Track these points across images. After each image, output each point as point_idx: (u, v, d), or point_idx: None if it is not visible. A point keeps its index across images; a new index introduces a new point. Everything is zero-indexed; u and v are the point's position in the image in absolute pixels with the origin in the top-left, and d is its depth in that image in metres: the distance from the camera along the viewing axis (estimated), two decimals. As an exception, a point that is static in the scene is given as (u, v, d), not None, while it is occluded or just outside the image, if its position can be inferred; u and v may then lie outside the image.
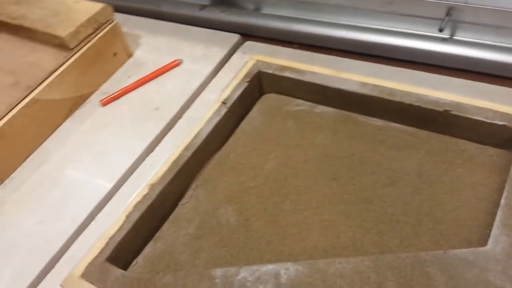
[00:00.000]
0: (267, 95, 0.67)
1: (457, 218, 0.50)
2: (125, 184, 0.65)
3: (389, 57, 0.73)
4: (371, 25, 0.74)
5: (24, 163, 0.70)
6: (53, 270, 0.58)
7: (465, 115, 0.55)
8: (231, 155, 0.61)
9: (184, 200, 0.57)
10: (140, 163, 0.67)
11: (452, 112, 0.55)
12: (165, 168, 0.58)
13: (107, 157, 0.68)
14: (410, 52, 0.70)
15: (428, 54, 0.70)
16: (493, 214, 0.48)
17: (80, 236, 0.60)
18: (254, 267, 0.48)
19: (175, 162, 0.58)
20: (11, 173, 0.69)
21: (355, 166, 0.56)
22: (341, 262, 0.47)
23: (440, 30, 0.66)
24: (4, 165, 0.67)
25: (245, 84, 0.65)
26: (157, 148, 0.68)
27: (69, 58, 0.72)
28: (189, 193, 0.58)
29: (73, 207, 0.63)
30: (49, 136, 0.72)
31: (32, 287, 0.57)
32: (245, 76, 0.65)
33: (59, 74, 0.70)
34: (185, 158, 0.58)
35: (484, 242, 0.46)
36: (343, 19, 0.76)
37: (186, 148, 0.59)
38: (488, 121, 0.53)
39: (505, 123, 0.53)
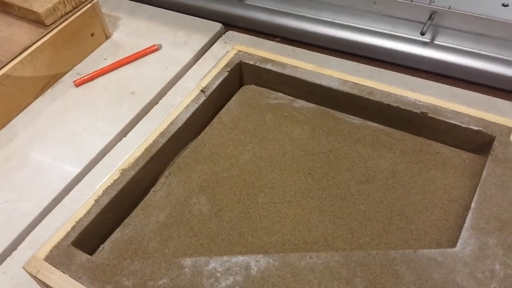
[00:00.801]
0: (247, 86, 0.66)
1: (428, 218, 0.50)
2: (95, 168, 0.63)
3: (369, 57, 0.73)
4: (354, 23, 0.74)
5: (-10, 141, 0.67)
6: (15, 252, 0.56)
7: (442, 118, 0.55)
8: (207, 145, 0.60)
9: (156, 187, 0.56)
10: (112, 147, 0.65)
11: (429, 115, 0.55)
12: (138, 153, 0.56)
13: (78, 139, 0.66)
14: (391, 53, 0.71)
15: (408, 57, 0.70)
16: (463, 217, 0.49)
17: (45, 219, 0.59)
18: (225, 258, 0.47)
19: (148, 148, 0.57)
20: (-24, 150, 0.66)
21: (330, 162, 0.56)
22: (312, 257, 0.47)
23: (422, 34, 0.67)
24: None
25: (225, 74, 0.64)
26: (131, 133, 0.67)
27: (44, 35, 0.70)
28: (162, 180, 0.57)
29: (39, 188, 0.61)
30: (18, 114, 0.70)
31: (-8, 267, 0.55)
32: (226, 66, 0.64)
33: (33, 50, 0.68)
34: (159, 145, 0.57)
35: (453, 244, 0.47)
36: (326, 16, 0.76)
37: (161, 135, 0.58)
38: (464, 125, 0.54)
39: (480, 129, 0.53)
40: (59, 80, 0.74)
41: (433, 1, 0.66)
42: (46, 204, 0.59)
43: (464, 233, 0.46)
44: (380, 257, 0.46)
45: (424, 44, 0.70)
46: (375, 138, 0.57)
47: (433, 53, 0.69)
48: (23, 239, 0.57)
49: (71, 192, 0.61)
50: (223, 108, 0.64)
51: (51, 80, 0.73)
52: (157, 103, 0.71)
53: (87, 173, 0.62)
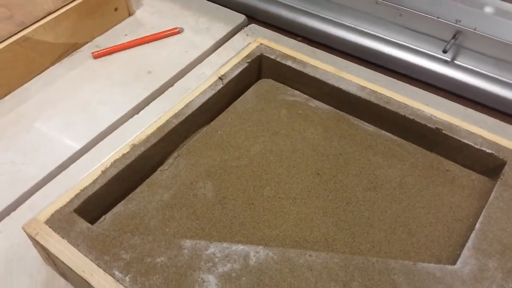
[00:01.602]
0: (265, 79, 0.66)
1: (431, 233, 0.50)
2: (103, 141, 0.63)
3: (387, 67, 0.73)
4: (377, 32, 0.74)
5: (2, 100, 0.67)
6: (14, 213, 0.56)
7: (456, 136, 0.55)
8: (219, 132, 0.60)
9: (163, 167, 0.56)
10: (123, 123, 0.65)
11: (444, 131, 0.56)
12: (149, 131, 0.56)
13: (90, 110, 0.66)
14: (410, 67, 0.71)
15: (426, 72, 0.70)
16: (466, 237, 0.49)
17: (48, 185, 0.59)
18: (224, 245, 0.47)
19: (161, 127, 0.57)
20: (-13, 107, 0.66)
21: (340, 165, 0.56)
22: (312, 255, 0.47)
23: (444, 52, 0.67)
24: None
25: (245, 65, 0.64)
26: (143, 111, 0.67)
27: (69, 3, 0.70)
28: (170, 161, 0.57)
29: (45, 154, 0.61)
30: (33, 77, 0.70)
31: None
32: (246, 57, 0.64)
33: (56, 16, 0.68)
34: (172, 125, 0.57)
35: (453, 262, 0.47)
36: (350, 21, 0.76)
37: (175, 116, 0.58)
38: (477, 146, 0.54)
39: (493, 152, 0.54)
40: (78, 50, 0.74)
41: (460, 21, 0.67)
42: (50, 170, 0.59)
43: (466, 252, 0.47)
44: (379, 265, 0.46)
45: (444, 62, 0.70)
46: (387, 147, 0.57)
47: (452, 72, 0.69)
48: (23, 201, 0.57)
49: (77, 161, 0.61)
50: (239, 98, 0.64)
51: (70, 49, 0.73)
52: (172, 85, 0.70)
53: (94, 145, 0.62)
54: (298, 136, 0.59)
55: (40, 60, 0.69)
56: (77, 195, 0.50)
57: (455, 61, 0.70)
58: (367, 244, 0.49)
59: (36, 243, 0.48)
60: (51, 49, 0.70)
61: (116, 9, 0.77)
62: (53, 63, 0.71)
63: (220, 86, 0.62)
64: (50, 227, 0.47)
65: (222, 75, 0.62)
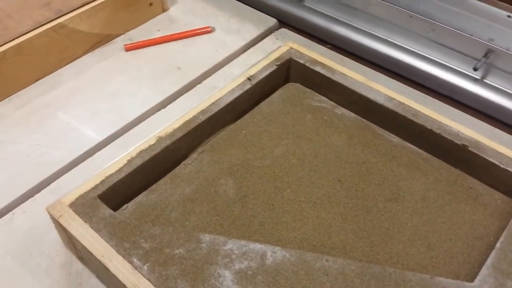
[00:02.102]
0: (292, 83, 0.67)
1: (450, 249, 0.50)
2: (129, 132, 0.64)
3: (417, 81, 0.73)
4: (408, 46, 0.74)
5: (35, 84, 0.69)
6: (38, 194, 0.57)
7: (481, 154, 0.55)
8: (243, 131, 0.60)
9: (187, 161, 0.57)
10: (150, 116, 0.66)
11: (470, 149, 0.55)
12: (176, 125, 0.57)
13: (118, 101, 0.67)
14: (439, 82, 0.71)
15: (455, 89, 0.70)
16: (485, 255, 0.48)
17: (73, 170, 0.60)
18: (242, 242, 0.48)
19: (187, 122, 0.57)
20: (19, 91, 0.67)
21: (362, 174, 0.56)
22: (329, 260, 0.47)
23: (475, 69, 0.67)
24: (15, 81, 0.66)
25: (274, 67, 0.64)
26: (170, 106, 0.68)
27: (107, -6, 0.71)
28: (194, 156, 0.57)
29: (72, 140, 0.62)
30: (65, 65, 0.71)
31: (14, 205, 0.56)
32: (276, 60, 0.65)
33: (93, 7, 0.69)
34: (198, 121, 0.58)
35: (471, 279, 0.47)
36: (381, 33, 0.76)
37: (202, 112, 0.58)
38: (502, 166, 0.54)
39: (518, 172, 0.53)
40: (111, 41, 0.75)
41: (493, 40, 0.66)
42: (76, 156, 0.60)
43: (484, 270, 0.46)
44: (396, 276, 0.46)
45: (474, 80, 0.69)
46: (411, 160, 0.57)
47: (482, 91, 0.69)
48: (48, 184, 0.58)
49: (102, 150, 0.62)
50: (265, 100, 0.64)
51: (103, 40, 0.74)
52: (200, 83, 0.71)
53: (121, 135, 0.63)
54: (322, 141, 0.59)
55: (74, 48, 0.71)
56: (102, 182, 0.51)
57: (485, 80, 0.69)
58: (385, 254, 0.49)
59: (58, 226, 0.49)
60: (85, 38, 0.71)
61: (150, 4, 0.78)
62: (86, 52, 0.73)
63: (248, 86, 0.62)
64: (73, 210, 0.48)
65: (251, 76, 0.63)
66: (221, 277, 0.45)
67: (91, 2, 0.70)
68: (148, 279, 0.44)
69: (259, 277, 0.45)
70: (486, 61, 0.67)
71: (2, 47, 0.63)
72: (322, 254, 0.48)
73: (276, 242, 0.50)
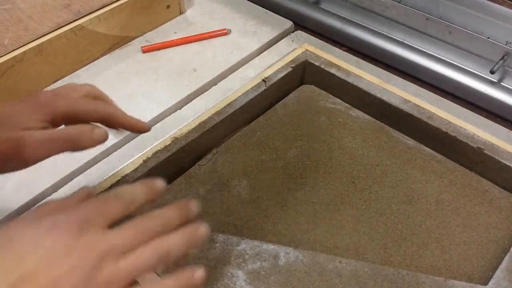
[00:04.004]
0: (307, 85, 0.67)
1: (464, 252, 0.49)
2: (146, 132, 0.64)
3: (433, 84, 0.72)
4: (424, 48, 0.74)
5: (53, 85, 0.70)
6: (55, 194, 0.58)
7: (497, 157, 0.54)
8: (258, 133, 0.61)
9: (202, 162, 0.57)
10: (165, 117, 0.66)
11: (485, 151, 0.55)
12: (191, 126, 0.58)
13: (134, 102, 0.68)
14: (456, 85, 0.70)
15: (472, 92, 0.69)
16: (500, 258, 0.48)
17: (90, 169, 0.60)
18: (256, 243, 0.48)
19: (202, 123, 0.58)
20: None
21: (376, 176, 0.56)
22: (342, 262, 0.47)
23: (491, 72, 0.66)
24: (34, 81, 0.67)
25: (289, 69, 0.65)
26: (185, 107, 0.68)
27: (124, -3, 0.72)
28: (208, 156, 0.58)
29: (89, 139, 0.63)
30: (83, 66, 0.72)
31: (29, 206, 0.57)
32: (291, 62, 0.65)
33: (112, 9, 0.70)
34: (213, 122, 0.58)
35: (484, 283, 0.46)
36: (397, 35, 0.76)
37: (217, 113, 0.59)
38: (518, 169, 0.53)
39: (535, 176, 0.53)
40: (128, 43, 0.76)
41: (510, 43, 0.66)
42: (93, 156, 0.61)
43: (499, 273, 0.46)
44: (409, 278, 0.46)
45: (491, 83, 0.69)
46: (426, 162, 0.57)
47: (498, 94, 0.68)
48: (65, 184, 0.59)
49: (118, 150, 0.62)
50: (280, 102, 0.65)
51: (120, 42, 0.75)
52: (216, 84, 0.72)
53: (136, 136, 0.64)
54: (336, 143, 0.59)
55: (92, 49, 0.72)
56: (118, 181, 0.51)
57: (502, 83, 0.69)
58: (398, 256, 0.49)
59: (75, 223, 0.50)
60: (103, 40, 0.72)
61: (168, 7, 0.79)
62: (103, 54, 0.74)
63: (262, 88, 0.63)
64: (89, 209, 0.49)
65: (266, 78, 0.63)
66: (234, 277, 0.45)
67: (110, 4, 0.71)
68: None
69: (272, 277, 0.46)
70: (503, 64, 0.67)
71: (22, 48, 0.64)
72: (335, 256, 0.48)
73: (289, 243, 0.50)
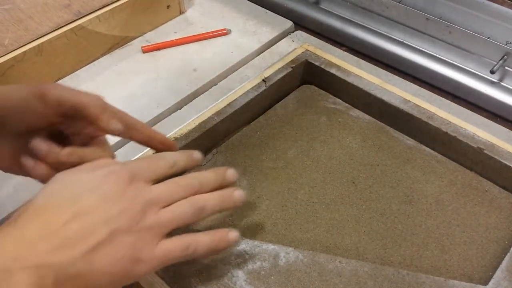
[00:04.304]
0: (307, 85, 0.67)
1: (464, 252, 0.49)
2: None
3: (433, 84, 0.72)
4: (424, 48, 0.74)
5: (53, 85, 0.70)
6: (55, 193, 0.58)
7: (497, 157, 0.54)
8: (258, 133, 0.61)
9: (202, 162, 0.57)
10: (166, 117, 0.66)
11: (485, 151, 0.55)
12: (191, 126, 0.58)
13: (134, 102, 0.68)
14: (456, 85, 0.70)
15: (472, 92, 0.69)
16: (500, 258, 0.48)
17: (90, 169, 0.60)
18: (256, 242, 0.48)
19: (202, 123, 0.58)
20: (39, 91, 0.69)
21: (376, 176, 0.56)
22: (342, 262, 0.47)
23: (492, 72, 0.66)
24: (34, 81, 0.67)
25: (289, 69, 0.65)
26: (186, 107, 0.68)
27: (124, -3, 0.72)
28: (208, 156, 0.58)
29: (90, 139, 0.63)
30: (83, 66, 0.72)
31: (32, 203, 0.57)
32: (291, 62, 0.65)
33: (112, 9, 0.70)
34: (213, 122, 0.58)
35: (484, 283, 0.46)
36: (397, 35, 0.76)
37: (217, 113, 0.59)
38: (518, 169, 0.53)
39: (535, 176, 0.53)
40: (128, 43, 0.76)
41: (510, 43, 0.66)
42: (93, 155, 0.61)
43: (499, 273, 0.46)
44: (409, 278, 0.46)
45: (491, 83, 0.69)
46: (426, 162, 0.57)
47: (498, 94, 0.68)
48: (65, 183, 0.59)
49: (118, 151, 0.62)
50: (280, 102, 0.65)
51: (120, 42, 0.75)
52: (216, 84, 0.72)
53: (137, 135, 0.64)
54: (336, 143, 0.59)
55: (92, 49, 0.72)
56: (117, 181, 0.51)
57: (502, 83, 0.69)
58: (398, 256, 0.49)
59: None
60: (104, 40, 0.72)
61: (168, 7, 0.79)
62: (103, 54, 0.74)
63: (262, 88, 0.63)
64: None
65: (266, 78, 0.63)
66: (235, 276, 0.45)
67: (110, 4, 0.71)
68: (162, 278, 0.44)
69: (272, 277, 0.46)
70: (503, 64, 0.67)
71: (22, 48, 0.64)
72: (335, 256, 0.48)
73: (289, 243, 0.50)
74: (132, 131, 0.43)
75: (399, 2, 0.73)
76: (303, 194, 0.54)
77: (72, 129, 0.43)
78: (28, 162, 0.39)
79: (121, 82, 0.70)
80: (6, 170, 0.42)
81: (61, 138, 0.42)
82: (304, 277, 0.46)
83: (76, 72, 0.71)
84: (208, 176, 0.41)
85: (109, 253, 0.34)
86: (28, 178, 0.58)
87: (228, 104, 0.60)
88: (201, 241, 0.39)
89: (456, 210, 0.53)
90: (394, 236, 0.51)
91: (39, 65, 0.66)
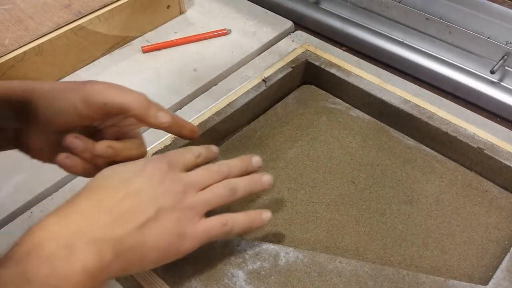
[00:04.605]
0: (307, 85, 0.67)
1: (464, 252, 0.49)
2: (146, 133, 0.64)
3: (433, 84, 0.72)
4: (424, 48, 0.74)
5: (54, 85, 0.70)
6: (55, 194, 0.58)
7: (497, 157, 0.54)
8: (258, 132, 0.61)
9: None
10: (166, 116, 0.67)
11: (485, 151, 0.55)
12: (191, 126, 0.57)
13: (136, 101, 0.68)
14: (456, 85, 0.70)
15: (472, 92, 0.69)
16: (500, 258, 0.48)
17: (90, 169, 0.60)
18: (256, 242, 0.48)
19: (202, 123, 0.58)
20: (39, 91, 0.69)
21: (376, 176, 0.56)
22: (342, 262, 0.47)
23: (492, 72, 0.66)
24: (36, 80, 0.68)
25: (289, 69, 0.65)
26: (186, 107, 0.68)
27: (125, -3, 0.72)
28: (209, 156, 0.58)
29: (90, 139, 0.63)
30: (83, 66, 0.72)
31: (32, 204, 0.57)
32: (291, 62, 0.65)
33: (112, 9, 0.70)
34: (213, 122, 0.58)
35: (484, 283, 0.46)
36: (397, 35, 0.76)
37: (217, 113, 0.59)
38: (518, 169, 0.53)
39: (535, 176, 0.53)
40: (128, 43, 0.76)
41: (510, 43, 0.66)
42: (93, 155, 0.61)
43: (499, 273, 0.46)
44: (409, 278, 0.46)
45: (491, 83, 0.69)
46: (426, 162, 0.57)
47: (498, 94, 0.68)
48: (65, 183, 0.59)
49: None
50: (280, 102, 0.65)
51: (121, 42, 0.75)
52: (216, 84, 0.72)
53: (137, 135, 0.64)
54: (336, 143, 0.59)
55: (92, 49, 0.72)
56: (117, 181, 0.51)
57: (502, 83, 0.69)
58: (398, 256, 0.49)
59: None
60: (104, 40, 0.72)
61: (168, 7, 0.79)
62: (104, 54, 0.74)
63: (263, 88, 0.63)
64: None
65: (266, 78, 0.63)
66: (235, 277, 0.45)
67: (110, 4, 0.71)
68: (163, 278, 0.44)
69: (272, 277, 0.46)
70: (503, 64, 0.67)
71: (22, 48, 0.64)
72: (335, 256, 0.48)
73: (289, 243, 0.50)
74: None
75: (399, 2, 0.73)
76: (303, 194, 0.54)
77: (107, 123, 0.45)
78: (67, 161, 0.41)
79: (121, 82, 0.69)
80: (47, 162, 0.44)
81: (92, 130, 0.44)
82: (304, 277, 0.46)
83: (76, 72, 0.71)
84: (235, 162, 0.45)
85: (158, 227, 0.38)
86: (28, 179, 0.58)
87: (228, 104, 0.60)
88: (238, 219, 0.43)
89: (456, 210, 0.53)
90: (394, 236, 0.51)
91: (39, 65, 0.66)
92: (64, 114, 0.40)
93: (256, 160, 0.47)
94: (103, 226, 0.36)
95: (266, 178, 0.46)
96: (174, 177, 0.41)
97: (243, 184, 0.44)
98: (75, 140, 0.40)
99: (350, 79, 0.63)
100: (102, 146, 0.41)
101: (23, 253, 0.33)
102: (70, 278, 0.33)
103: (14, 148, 0.43)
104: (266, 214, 0.45)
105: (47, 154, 0.43)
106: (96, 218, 0.36)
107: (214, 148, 0.48)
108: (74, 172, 0.42)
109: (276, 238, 0.50)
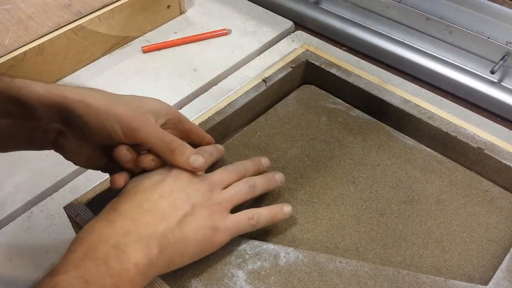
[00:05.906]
0: (307, 85, 0.67)
1: (464, 252, 0.49)
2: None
3: (433, 84, 0.72)
4: (424, 48, 0.74)
5: (54, 85, 0.70)
6: (56, 194, 0.58)
7: (497, 157, 0.54)
8: (258, 133, 0.61)
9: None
10: (166, 116, 0.67)
11: (485, 151, 0.55)
12: (191, 126, 0.57)
13: (136, 101, 0.68)
14: (456, 85, 0.70)
15: (472, 92, 0.70)
16: (500, 258, 0.48)
17: (90, 170, 0.60)
18: (256, 243, 0.48)
19: (203, 123, 0.58)
20: (39, 91, 0.69)
21: (376, 176, 0.56)
22: (342, 262, 0.47)
23: (492, 72, 0.66)
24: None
25: (289, 69, 0.65)
26: (186, 107, 0.68)
27: (125, -3, 0.72)
28: (209, 156, 0.58)
29: (90, 139, 0.63)
30: (84, 66, 0.73)
31: (32, 204, 0.57)
32: (291, 62, 0.65)
33: (112, 9, 0.71)
34: (213, 122, 0.58)
35: (484, 283, 0.46)
36: (398, 35, 0.76)
37: (217, 113, 0.59)
38: (519, 169, 0.53)
39: (535, 176, 0.53)
40: (128, 43, 0.76)
41: (510, 43, 0.66)
42: (93, 155, 0.61)
43: (499, 273, 0.46)
44: (409, 278, 0.46)
45: (491, 83, 0.69)
46: (426, 162, 0.57)
47: (498, 94, 0.68)
48: (65, 183, 0.59)
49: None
50: (280, 102, 0.65)
51: (121, 42, 0.75)
52: (216, 84, 0.72)
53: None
54: (336, 143, 0.59)
55: (92, 50, 0.72)
56: (118, 181, 0.51)
57: (502, 83, 0.69)
58: (399, 256, 0.49)
59: (75, 225, 0.50)
60: (104, 40, 0.72)
61: (168, 7, 0.79)
62: (104, 54, 0.74)
63: (263, 88, 0.63)
64: (91, 209, 0.49)
65: (266, 78, 0.63)
66: (235, 277, 0.45)
67: (110, 4, 0.71)
68: (163, 278, 0.44)
69: (272, 277, 0.46)
70: (503, 64, 0.67)
71: (22, 47, 0.64)
72: (335, 256, 0.48)
73: (289, 243, 0.50)
74: (192, 135, 0.50)
75: (399, 2, 0.73)
76: (303, 194, 0.54)
77: None
78: (116, 178, 0.44)
79: (121, 82, 0.71)
80: (81, 166, 0.47)
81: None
82: (304, 277, 0.46)
83: (76, 72, 0.71)
84: (248, 163, 0.50)
85: (194, 221, 0.42)
86: (28, 178, 0.58)
87: (228, 104, 0.60)
88: (262, 213, 0.47)
89: (456, 210, 0.53)
90: (394, 236, 0.51)
91: (39, 65, 0.66)
92: (107, 137, 0.43)
93: (265, 160, 0.52)
94: (147, 224, 0.39)
95: (278, 176, 0.51)
96: (199, 177, 0.45)
97: (260, 182, 0.48)
98: (126, 153, 0.44)
99: (350, 79, 0.63)
100: (147, 160, 0.44)
101: (78, 258, 0.36)
102: (125, 276, 0.36)
103: (51, 149, 0.45)
104: (287, 208, 0.49)
105: (84, 159, 0.45)
106: (139, 218, 0.40)
107: (221, 147, 0.53)
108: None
109: (276, 238, 0.50)
